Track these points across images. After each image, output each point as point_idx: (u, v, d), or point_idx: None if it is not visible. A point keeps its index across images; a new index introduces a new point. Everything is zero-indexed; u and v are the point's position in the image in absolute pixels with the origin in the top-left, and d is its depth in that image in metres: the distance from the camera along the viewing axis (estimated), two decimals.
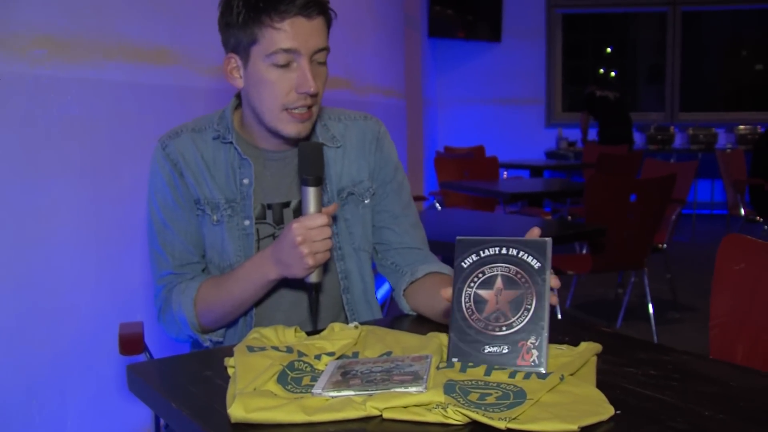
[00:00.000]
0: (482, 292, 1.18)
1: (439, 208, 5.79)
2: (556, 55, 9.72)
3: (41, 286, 2.12)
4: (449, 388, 1.03)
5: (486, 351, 1.14)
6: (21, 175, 2.05)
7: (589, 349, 1.21)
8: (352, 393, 1.04)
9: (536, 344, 1.13)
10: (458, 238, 1.23)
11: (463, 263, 1.20)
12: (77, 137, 2.24)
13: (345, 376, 1.09)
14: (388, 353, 1.22)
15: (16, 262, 2.04)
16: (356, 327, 1.33)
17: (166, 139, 1.57)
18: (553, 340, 1.26)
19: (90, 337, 1.90)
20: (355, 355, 1.24)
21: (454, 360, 1.15)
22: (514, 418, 0.95)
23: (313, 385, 1.08)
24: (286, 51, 1.41)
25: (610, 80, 8.27)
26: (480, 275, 1.19)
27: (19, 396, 2.07)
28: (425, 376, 1.06)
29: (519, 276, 1.17)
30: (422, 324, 1.48)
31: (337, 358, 1.21)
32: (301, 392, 1.07)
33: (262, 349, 1.20)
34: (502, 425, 0.94)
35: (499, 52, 9.57)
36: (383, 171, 1.66)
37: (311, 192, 1.40)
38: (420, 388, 1.02)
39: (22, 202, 2.06)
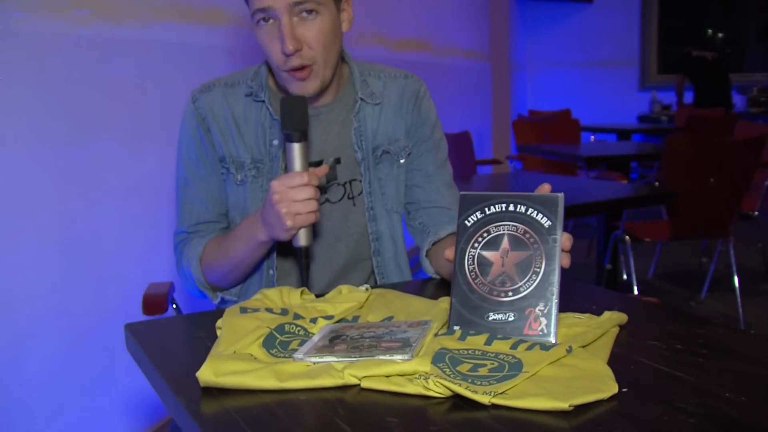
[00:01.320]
0: (487, 254, 1.08)
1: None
2: (652, 14, 9.24)
3: (88, 247, 2.14)
4: (438, 358, 0.94)
5: (490, 318, 1.05)
6: (65, 136, 2.06)
7: (611, 319, 1.10)
8: (334, 359, 0.97)
9: (545, 311, 1.03)
10: (462, 193, 1.13)
11: (466, 221, 1.11)
12: (123, 98, 2.23)
13: (332, 342, 1.02)
14: (390, 318, 1.14)
15: (62, 223, 2.06)
16: (366, 290, 1.25)
17: (197, 92, 1.52)
18: (578, 307, 1.16)
19: (135, 299, 1.90)
20: (355, 319, 1.16)
21: (455, 327, 1.06)
22: (501, 393, 0.86)
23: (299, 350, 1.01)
24: (262, 10, 1.33)
25: (710, 39, 7.78)
26: (485, 234, 1.09)
27: (65, 357, 2.10)
28: (415, 344, 0.97)
29: (527, 236, 1.07)
30: (443, 288, 1.39)
31: (336, 322, 1.14)
32: (285, 356, 1.01)
33: (256, 310, 1.14)
34: (485, 399, 0.85)
35: (591, 12, 9.19)
36: (420, 130, 1.56)
37: (295, 149, 1.31)
38: (405, 356, 0.94)
39: (67, 164, 2.07)
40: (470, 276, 1.07)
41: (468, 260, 1.08)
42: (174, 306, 1.77)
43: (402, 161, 1.55)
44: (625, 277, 4.22)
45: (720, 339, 1.06)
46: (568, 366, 0.94)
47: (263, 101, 1.48)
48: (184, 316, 1.31)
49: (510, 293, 1.05)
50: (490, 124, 7.40)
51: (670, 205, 3.43)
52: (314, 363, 0.97)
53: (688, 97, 7.88)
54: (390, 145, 1.54)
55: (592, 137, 6.95)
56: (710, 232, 3.64)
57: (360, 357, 0.96)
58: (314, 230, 1.43)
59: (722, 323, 1.12)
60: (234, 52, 2.71)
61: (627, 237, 3.49)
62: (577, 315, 1.12)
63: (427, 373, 0.90)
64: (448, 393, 0.88)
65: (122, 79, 2.22)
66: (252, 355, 1.00)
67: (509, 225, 1.08)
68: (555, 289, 1.03)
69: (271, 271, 1.51)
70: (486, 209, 1.10)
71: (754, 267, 4.52)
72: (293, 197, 1.28)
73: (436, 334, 1.04)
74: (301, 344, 1.04)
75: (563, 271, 1.06)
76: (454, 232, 1.46)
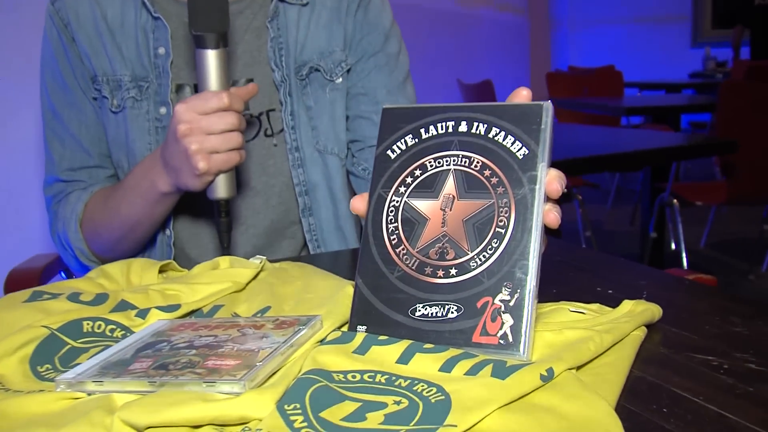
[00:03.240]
0: (419, 204, 0.63)
1: None
2: None
3: None
4: (295, 392, 0.50)
5: (418, 314, 0.60)
6: None
7: (634, 315, 0.64)
8: (116, 389, 0.53)
9: (511, 303, 0.58)
10: (385, 106, 0.68)
11: (389, 151, 0.66)
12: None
13: (138, 354, 0.59)
14: (265, 310, 0.70)
15: None
16: (260, 263, 0.82)
17: None
18: (582, 292, 0.71)
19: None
20: (214, 311, 0.72)
21: (359, 329, 0.61)
22: None
23: None
24: None
25: None
26: (417, 172, 0.64)
27: None
28: (261, 363, 0.53)
29: (487, 173, 0.62)
30: None
31: (184, 316, 0.71)
32: (54, 380, 0.58)
33: (55, 296, 0.71)
34: None
35: None
36: (366, 39, 1.12)
37: (210, 57, 0.91)
38: (234, 388, 0.50)
39: None
40: (390, 242, 0.63)
41: (387, 215, 0.64)
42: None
43: (338, 81, 1.11)
44: (673, 246, 3.70)
45: None
46: (540, 411, 0.49)
47: None
48: None
49: (453, 270, 0.60)
50: (527, 82, 6.86)
51: (727, 164, 2.91)
52: (88, 395, 0.54)
53: (745, 54, 7.23)
54: (321, 60, 1.09)
55: (639, 93, 6.36)
56: None
57: (158, 387, 0.52)
58: (238, 176, 1.00)
59: None
60: None
61: (675, 200, 2.98)
62: (574, 306, 0.67)
63: (260, 427, 0.47)
64: None
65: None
66: None
67: (457, 156, 0.63)
68: (531, 263, 0.58)
69: (167, 231, 1.08)
70: (422, 130, 0.65)
71: None
72: (208, 128, 0.88)
73: (322, 341, 0.60)
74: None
75: (551, 234, 0.62)
76: None
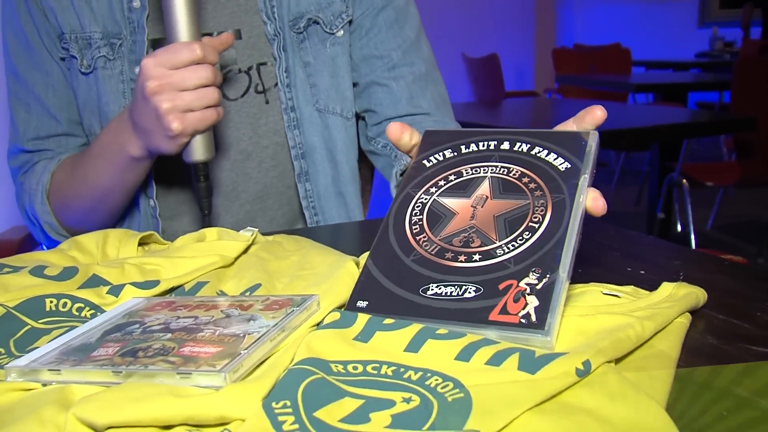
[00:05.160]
0: (448, 201, 0.58)
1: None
2: None
3: None
4: (285, 386, 0.42)
5: (430, 292, 0.52)
6: None
7: (677, 299, 0.56)
8: (75, 379, 0.45)
9: (539, 287, 0.50)
10: (427, 130, 0.65)
11: (425, 161, 0.62)
12: None
13: (104, 337, 0.51)
14: (255, 288, 0.62)
15: None
16: (252, 236, 0.73)
17: None
18: (613, 273, 0.63)
19: None
20: (197, 288, 0.64)
21: (360, 304, 0.53)
22: None
23: None
24: None
25: None
26: (452, 177, 0.60)
27: None
28: (246, 351, 0.45)
29: (526, 180, 0.57)
30: None
31: (163, 293, 0.62)
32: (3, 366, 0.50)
33: (15, 270, 0.63)
34: None
35: None
36: None
37: (177, 3, 0.82)
38: (212, 381, 0.42)
39: None
40: (410, 230, 0.57)
41: (413, 210, 0.58)
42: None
43: (339, 34, 1.01)
44: (680, 228, 3.63)
45: None
46: (579, 413, 0.41)
47: None
48: None
49: (476, 256, 0.53)
50: (532, 58, 6.74)
51: (741, 144, 2.82)
52: (42, 386, 0.46)
53: (755, 34, 7.11)
54: (319, 12, 1.00)
55: (646, 72, 6.25)
56: None
57: (124, 378, 0.44)
58: (224, 137, 0.92)
59: None
60: None
61: (684, 180, 2.90)
62: (608, 289, 0.58)
63: (244, 427, 0.39)
64: None
65: None
66: None
67: (496, 166, 0.59)
68: (565, 255, 0.51)
69: (151, 202, 1.00)
70: (462, 146, 0.62)
71: None
72: (180, 83, 0.80)
73: (318, 325, 0.52)
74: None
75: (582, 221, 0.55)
76: None
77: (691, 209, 3.11)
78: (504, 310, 0.49)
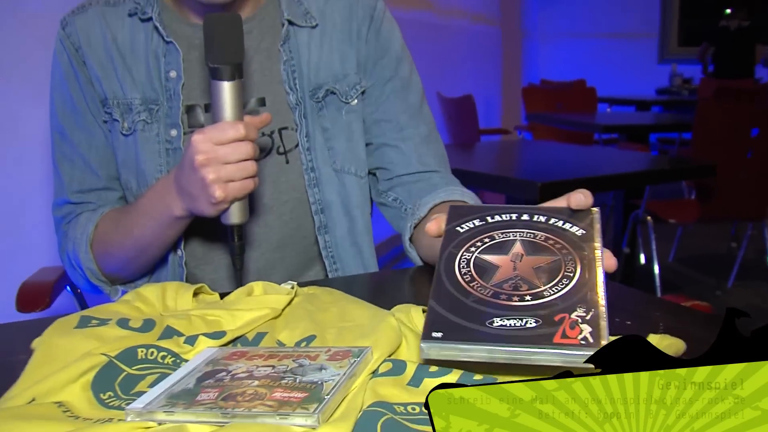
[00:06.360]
0: (489, 257, 0.70)
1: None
2: None
3: None
4: (365, 426, 0.53)
5: (496, 324, 0.62)
6: None
7: (662, 349, 0.68)
8: (189, 420, 0.56)
9: (587, 318, 0.62)
10: (451, 205, 0.79)
11: (459, 228, 0.74)
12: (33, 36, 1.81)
13: (200, 383, 0.62)
14: (311, 339, 0.73)
15: None
16: (292, 289, 0.85)
17: (68, 15, 1.12)
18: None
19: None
20: (258, 339, 0.75)
21: (434, 335, 0.61)
22: None
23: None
24: None
25: (731, 16, 7.36)
26: (487, 240, 0.72)
27: None
28: (329, 396, 0.56)
29: (551, 242, 0.71)
30: (425, 283, 0.99)
31: (228, 343, 0.73)
32: (120, 407, 0.60)
33: (104, 322, 0.73)
34: None
35: None
36: (380, 63, 1.15)
37: (225, 89, 0.93)
38: (308, 421, 0.53)
39: None
40: (462, 277, 0.68)
41: (460, 264, 0.70)
42: (75, 295, 1.36)
43: (354, 103, 1.14)
44: (643, 261, 3.80)
45: None
46: None
47: (150, 19, 1.07)
48: (17, 323, 0.89)
49: (528, 297, 0.65)
50: (499, 94, 6.95)
51: (700, 183, 3.00)
52: (158, 424, 0.57)
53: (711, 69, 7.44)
54: (336, 83, 1.13)
55: (609, 109, 6.49)
56: (745, 215, 3.21)
57: (231, 419, 0.55)
58: (253, 200, 1.04)
59: None
60: None
61: (649, 218, 3.07)
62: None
63: None
64: None
65: (34, 15, 1.80)
66: (62, 406, 0.60)
67: (523, 231, 0.73)
68: (600, 293, 0.64)
69: (179, 252, 1.10)
70: (488, 217, 0.75)
71: None
72: (225, 158, 0.91)
73: (374, 373, 0.63)
74: (156, 383, 0.63)
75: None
76: (443, 202, 1.07)
77: (654, 244, 3.28)
78: (564, 335, 0.61)
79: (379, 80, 1.15)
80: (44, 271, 1.30)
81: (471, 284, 0.67)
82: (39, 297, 1.19)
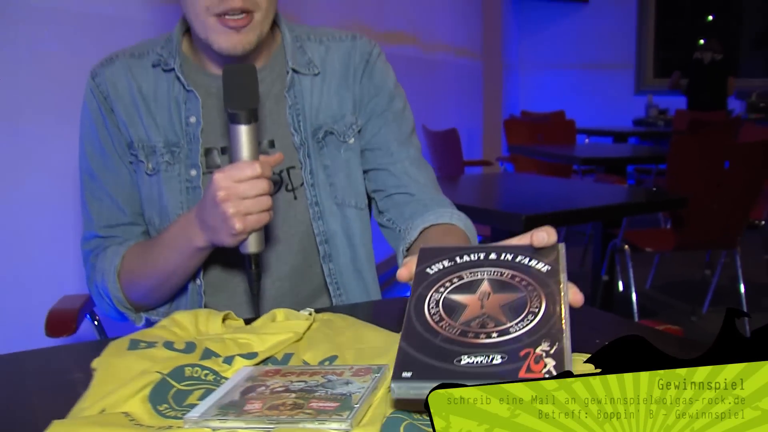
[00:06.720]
0: (458, 297, 0.76)
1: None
2: (649, 16, 8.99)
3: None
4: (391, 429, 0.64)
5: (463, 362, 0.69)
6: None
7: None
8: (240, 426, 0.67)
9: (551, 351, 0.71)
10: (422, 247, 0.83)
11: (428, 269, 0.79)
12: (52, 75, 1.92)
13: (245, 395, 0.72)
14: (332, 358, 0.84)
15: None
16: (310, 315, 0.96)
17: (97, 67, 1.24)
18: (579, 344, 0.86)
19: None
20: (287, 359, 0.86)
21: (404, 375, 0.67)
22: None
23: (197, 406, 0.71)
24: None
25: (704, 47, 7.61)
26: (455, 280, 0.77)
27: None
28: (358, 404, 0.67)
29: (517, 279, 0.76)
30: None
31: (260, 363, 0.84)
32: (178, 416, 0.71)
33: (152, 345, 0.84)
34: None
35: (587, 13, 8.94)
36: (374, 101, 1.27)
37: (243, 132, 1.04)
38: (342, 425, 0.64)
39: None
40: (432, 318, 0.74)
41: (429, 305, 0.75)
42: (96, 323, 1.46)
43: (351, 141, 1.26)
44: (621, 288, 3.93)
45: None
46: None
47: (173, 69, 1.19)
48: (65, 347, 1.00)
49: (494, 334, 0.72)
50: (480, 125, 7.12)
51: (675, 213, 3.15)
52: (213, 430, 0.67)
53: (681, 102, 7.67)
54: (335, 124, 1.25)
55: (587, 140, 6.67)
56: (718, 243, 3.36)
57: (277, 424, 0.66)
58: (266, 233, 1.14)
59: None
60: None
61: (627, 246, 3.20)
62: (580, 355, 0.82)
63: None
64: None
65: (54, 54, 1.91)
66: (129, 416, 0.70)
67: (489, 270, 0.78)
68: (565, 326, 0.72)
69: (198, 281, 1.21)
70: (456, 258, 0.80)
71: (759, 280, 4.24)
72: (243, 194, 1.02)
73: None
74: (203, 397, 0.74)
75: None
76: (430, 226, 1.16)
77: (632, 271, 3.41)
78: (529, 370, 0.70)
79: (373, 114, 1.27)
80: (67, 299, 1.39)
81: (439, 324, 0.72)
82: (66, 323, 1.29)
